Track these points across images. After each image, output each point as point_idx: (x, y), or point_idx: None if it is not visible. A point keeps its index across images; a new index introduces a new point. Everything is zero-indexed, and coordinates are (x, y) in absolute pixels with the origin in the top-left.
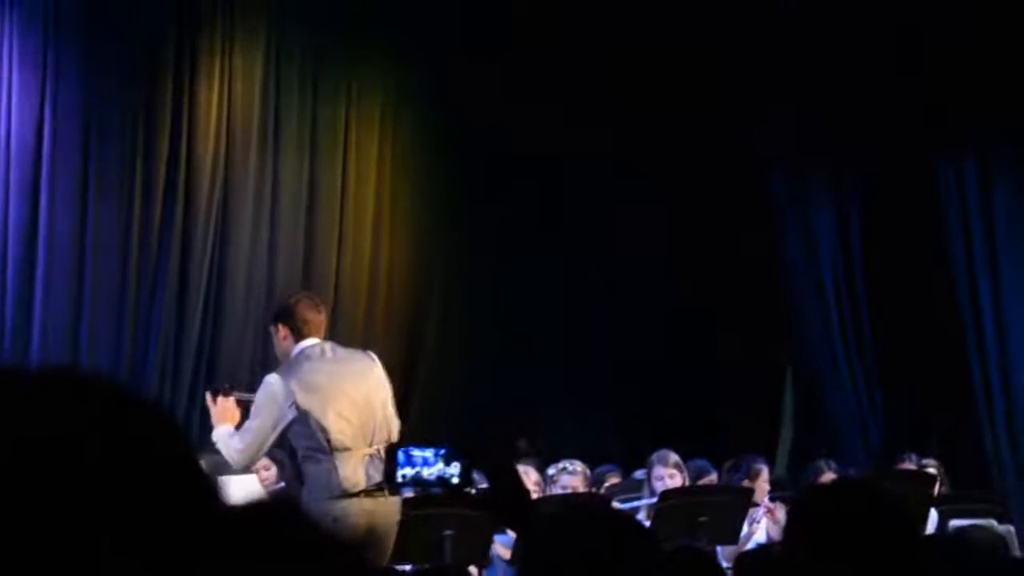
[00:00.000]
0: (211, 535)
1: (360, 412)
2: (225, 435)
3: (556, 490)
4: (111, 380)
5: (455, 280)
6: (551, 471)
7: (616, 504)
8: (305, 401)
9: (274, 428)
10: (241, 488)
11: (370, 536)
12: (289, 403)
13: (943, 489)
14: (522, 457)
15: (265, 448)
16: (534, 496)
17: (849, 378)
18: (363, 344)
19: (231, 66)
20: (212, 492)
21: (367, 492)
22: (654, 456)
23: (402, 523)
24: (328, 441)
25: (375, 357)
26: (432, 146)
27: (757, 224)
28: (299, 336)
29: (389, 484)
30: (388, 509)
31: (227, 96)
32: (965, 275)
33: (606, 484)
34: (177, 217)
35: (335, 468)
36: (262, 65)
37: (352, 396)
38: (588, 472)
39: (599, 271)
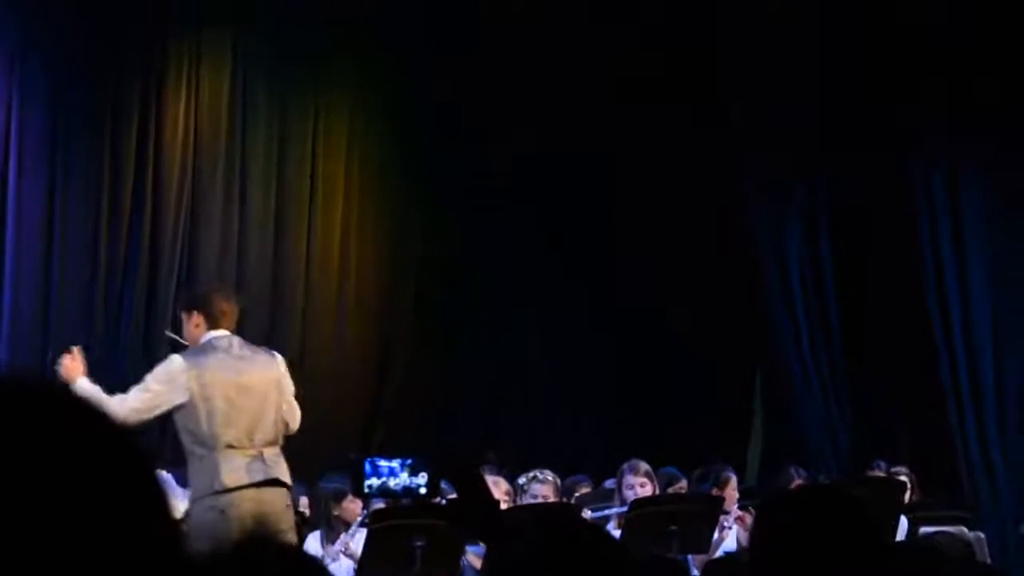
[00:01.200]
0: None
1: (251, 412)
2: (98, 395)
3: (527, 499)
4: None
5: (425, 291)
6: (522, 480)
7: (587, 513)
8: (200, 390)
9: (158, 403)
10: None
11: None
12: (184, 387)
13: (913, 496)
14: (489, 467)
15: (154, 414)
16: (504, 506)
17: (819, 385)
18: (335, 356)
19: (198, 79)
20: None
21: (252, 485)
22: (625, 465)
23: (372, 533)
24: (213, 436)
25: (278, 356)
26: (400, 156)
27: (727, 229)
28: (211, 325)
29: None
30: (274, 498)
31: (194, 109)
32: (934, 279)
33: (577, 494)
34: (145, 232)
35: (217, 465)
36: (229, 77)
37: (247, 395)
38: (559, 482)
39: (571, 278)
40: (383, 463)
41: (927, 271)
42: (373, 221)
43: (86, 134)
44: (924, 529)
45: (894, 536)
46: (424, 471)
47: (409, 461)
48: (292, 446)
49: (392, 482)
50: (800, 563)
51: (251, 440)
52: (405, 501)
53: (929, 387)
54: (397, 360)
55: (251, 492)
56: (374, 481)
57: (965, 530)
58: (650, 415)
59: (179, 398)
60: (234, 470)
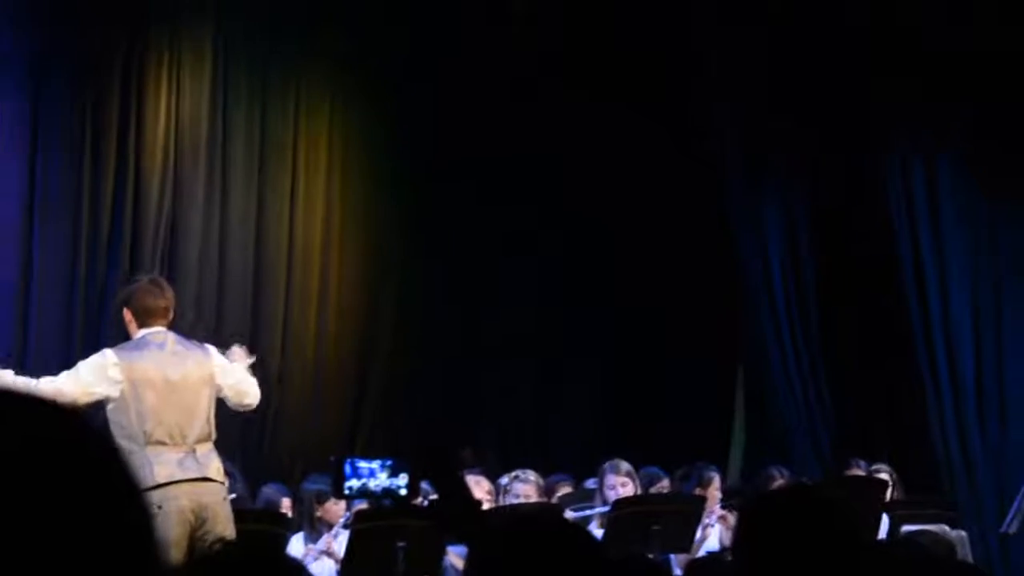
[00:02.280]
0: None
1: (182, 409)
2: (15, 381)
3: (509, 499)
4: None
5: (407, 287)
6: (504, 480)
7: (569, 513)
8: (130, 386)
9: (85, 389)
10: None
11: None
12: (114, 380)
13: (895, 494)
14: (467, 467)
15: (81, 401)
16: (486, 506)
17: (800, 385)
18: (314, 353)
19: (179, 78)
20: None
21: (186, 481)
22: (606, 465)
23: (354, 535)
24: (144, 432)
25: (212, 350)
26: (381, 155)
27: (707, 230)
28: (142, 322)
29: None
30: (210, 491)
31: (175, 108)
32: (913, 277)
33: (558, 493)
34: (126, 231)
35: (148, 461)
36: (210, 76)
37: (178, 392)
38: (541, 481)
39: (550, 275)
40: (363, 464)
41: (906, 269)
42: (355, 216)
43: (66, 129)
44: (906, 527)
45: (876, 534)
46: (404, 472)
47: (389, 462)
48: (275, 448)
49: (372, 483)
50: (783, 563)
51: (183, 437)
52: (385, 502)
53: (909, 386)
54: (379, 359)
55: (186, 487)
56: (354, 483)
57: (947, 528)
58: (632, 415)
59: (108, 391)
60: (165, 466)
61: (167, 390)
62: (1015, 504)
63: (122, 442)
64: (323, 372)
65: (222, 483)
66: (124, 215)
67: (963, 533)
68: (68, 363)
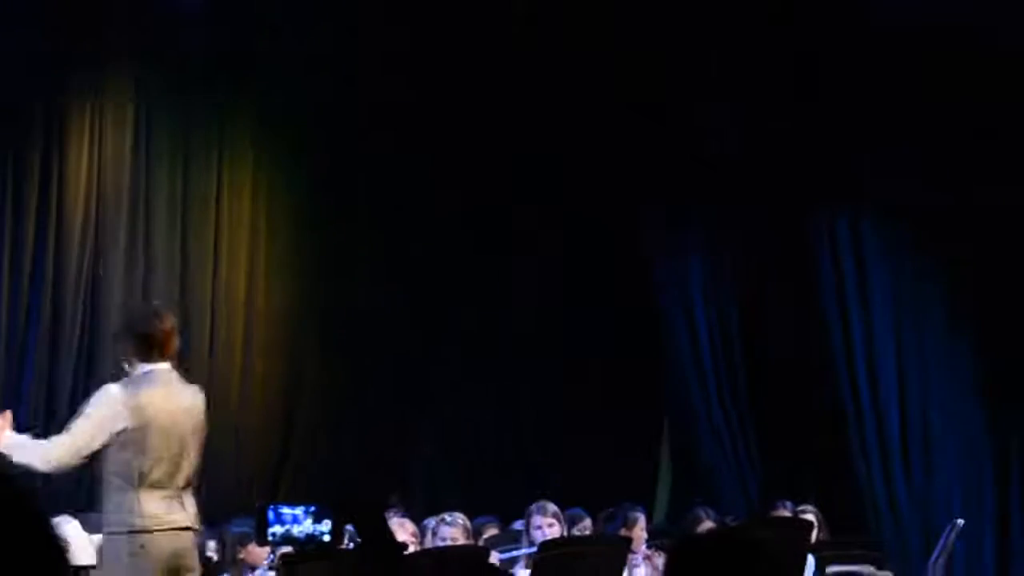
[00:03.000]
0: None
1: (178, 453)
2: (29, 443)
3: (436, 542)
4: None
5: (330, 339)
6: (431, 523)
7: (495, 555)
8: (134, 426)
9: (99, 435)
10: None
11: None
12: (124, 415)
13: (820, 535)
14: (392, 510)
15: (97, 444)
16: (411, 548)
17: (725, 425)
18: (239, 397)
19: (101, 127)
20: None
21: (171, 529)
22: (532, 506)
23: None
24: (140, 474)
25: (201, 391)
26: (304, 202)
27: (631, 274)
28: (143, 356)
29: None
30: (186, 538)
31: (97, 162)
32: (838, 321)
33: (485, 535)
34: (47, 284)
35: (138, 503)
36: (132, 125)
37: (175, 435)
38: (468, 523)
39: (480, 327)
40: (286, 510)
41: (831, 314)
42: (278, 261)
43: None
44: (832, 568)
45: (802, 575)
46: (327, 518)
47: (313, 508)
48: (200, 490)
49: (296, 529)
50: None
51: (172, 480)
52: (308, 548)
53: (835, 428)
54: (304, 404)
55: (170, 533)
56: (277, 529)
57: (874, 569)
58: (556, 455)
59: (119, 423)
60: (154, 511)
61: (169, 431)
62: (940, 544)
63: (113, 479)
64: (248, 416)
65: (198, 530)
66: (46, 263)
67: (889, 574)
68: None
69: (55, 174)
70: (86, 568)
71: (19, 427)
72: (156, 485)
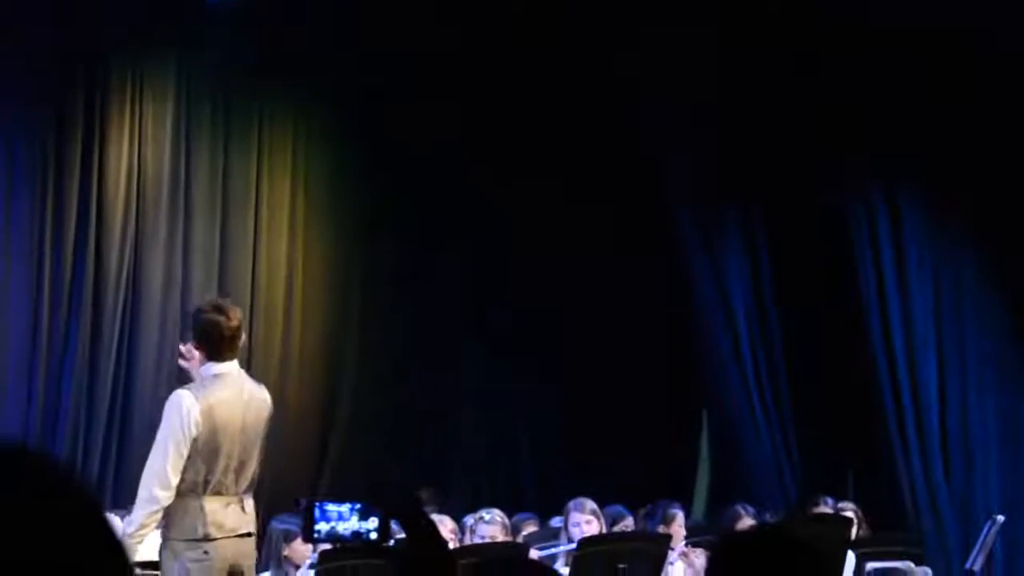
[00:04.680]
0: None
1: (244, 457)
2: (133, 516)
3: (475, 539)
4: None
5: (370, 330)
6: (469, 520)
7: (534, 552)
8: (206, 432)
9: (182, 443)
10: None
11: None
12: (195, 423)
13: (860, 531)
14: (428, 506)
15: (173, 469)
16: (451, 545)
17: (764, 421)
18: (279, 394)
19: (141, 122)
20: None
21: (234, 536)
22: (571, 503)
23: (320, 575)
24: (205, 481)
25: (265, 390)
26: (345, 199)
27: (668, 267)
28: (212, 355)
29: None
30: (249, 546)
31: (137, 152)
32: (877, 314)
33: (523, 532)
34: (88, 275)
35: (203, 512)
36: (172, 119)
37: (243, 440)
38: (506, 521)
39: (511, 317)
40: (332, 507)
41: (871, 309)
42: (319, 259)
43: (28, 171)
44: (872, 564)
45: (842, 572)
46: (374, 515)
47: (358, 506)
48: None
49: (341, 527)
50: None
51: (237, 486)
52: (355, 545)
53: (875, 422)
54: (344, 400)
55: (232, 539)
56: (323, 526)
57: (912, 566)
58: (597, 452)
59: (192, 434)
60: (218, 519)
61: (237, 437)
62: (979, 540)
63: (181, 489)
64: (287, 411)
65: (253, 535)
66: (87, 257)
67: (928, 570)
68: (29, 404)
69: (95, 165)
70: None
71: (59, 422)
72: (220, 491)
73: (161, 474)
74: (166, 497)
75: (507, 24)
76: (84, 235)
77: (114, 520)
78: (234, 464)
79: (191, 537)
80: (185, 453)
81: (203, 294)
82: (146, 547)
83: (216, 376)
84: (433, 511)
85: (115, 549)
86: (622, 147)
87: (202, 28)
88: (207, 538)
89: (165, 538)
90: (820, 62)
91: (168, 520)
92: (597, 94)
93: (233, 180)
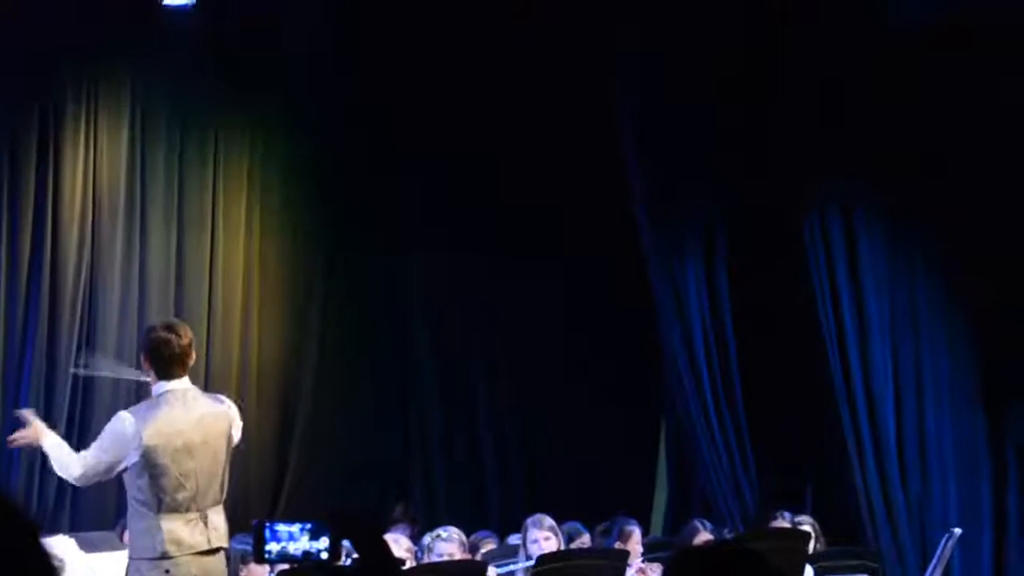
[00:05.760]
0: None
1: (201, 474)
2: (62, 451)
3: (432, 558)
4: None
5: (329, 351)
6: (426, 539)
7: (492, 570)
8: (149, 452)
9: (112, 465)
10: (114, 564)
11: None
12: (135, 446)
13: (818, 546)
14: (396, 523)
15: (105, 475)
16: (408, 564)
17: (720, 435)
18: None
19: (95, 137)
20: None
21: (194, 554)
22: (529, 520)
23: None
24: (158, 500)
25: (228, 403)
26: (301, 217)
27: (626, 278)
28: (162, 374)
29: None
30: (216, 564)
31: (92, 167)
32: (833, 327)
33: (482, 550)
34: (44, 295)
35: (160, 530)
36: (127, 133)
37: (197, 456)
38: (464, 538)
39: (474, 337)
40: (282, 528)
41: (827, 320)
42: (276, 273)
43: None
44: None
45: None
46: (324, 535)
47: (309, 526)
48: None
49: (292, 547)
50: None
51: (196, 503)
52: (305, 566)
53: (832, 436)
54: (302, 417)
55: (194, 557)
56: (273, 546)
57: None
58: (555, 466)
59: (130, 458)
60: (177, 537)
61: (187, 456)
62: (936, 553)
63: (135, 505)
64: (245, 428)
65: (225, 548)
66: (42, 273)
67: None
68: None
69: (50, 181)
70: None
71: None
72: (177, 509)
73: (90, 460)
74: (88, 479)
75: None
76: (40, 251)
77: (64, 543)
78: (189, 482)
79: (150, 556)
80: (114, 464)
81: (160, 311)
82: (113, 568)
83: (164, 394)
84: (397, 529)
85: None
86: (584, 153)
87: (156, 42)
88: (165, 556)
89: (130, 558)
90: (778, 67)
91: (130, 539)
92: (563, 109)
93: (189, 195)
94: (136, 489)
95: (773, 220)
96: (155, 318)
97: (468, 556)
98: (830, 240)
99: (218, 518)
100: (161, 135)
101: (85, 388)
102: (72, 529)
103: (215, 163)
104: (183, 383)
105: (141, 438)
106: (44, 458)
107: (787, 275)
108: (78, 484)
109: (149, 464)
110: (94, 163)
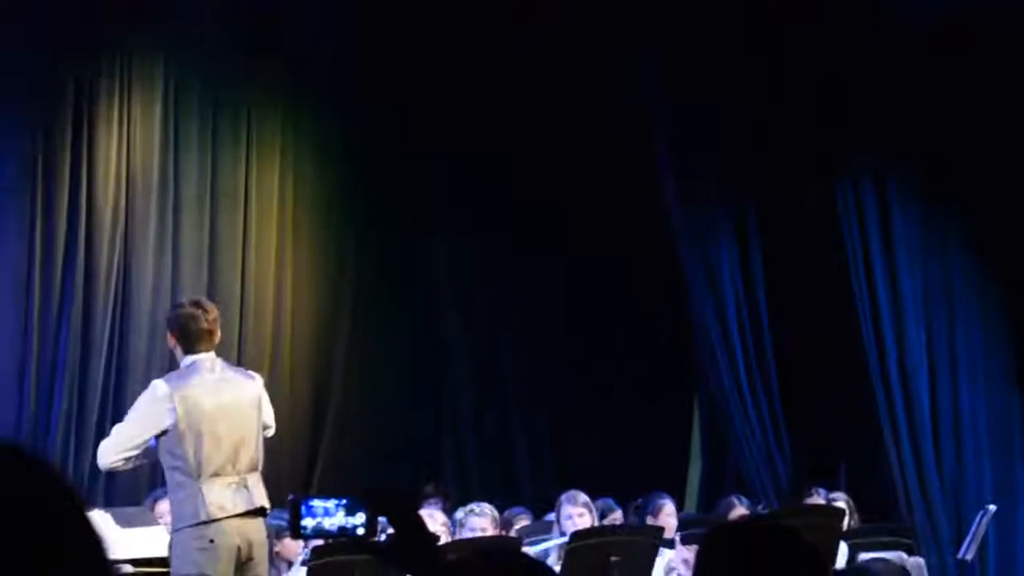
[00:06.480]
0: None
1: (235, 438)
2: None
3: (465, 533)
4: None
5: (360, 328)
6: (459, 514)
7: (526, 546)
8: (184, 416)
9: (142, 432)
10: (149, 539)
11: None
12: (168, 408)
13: (852, 522)
14: (428, 500)
15: (128, 453)
16: (443, 540)
17: (755, 411)
18: (271, 393)
19: (129, 119)
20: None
21: (236, 516)
22: (563, 496)
23: (311, 571)
24: (198, 464)
25: (257, 377)
26: (333, 192)
27: (657, 257)
28: (188, 347)
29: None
30: (257, 528)
31: (126, 150)
32: (868, 304)
33: (516, 526)
34: (78, 270)
35: (200, 493)
36: (160, 108)
37: (230, 420)
38: (496, 514)
39: (506, 313)
40: (318, 503)
41: (861, 295)
42: (309, 254)
43: (17, 166)
44: (864, 555)
45: (834, 563)
46: (360, 511)
47: (345, 501)
48: None
49: (327, 522)
50: None
51: (234, 467)
52: (342, 541)
53: (866, 412)
54: (336, 394)
55: (236, 522)
56: (309, 522)
57: (905, 556)
58: (589, 443)
59: (165, 422)
60: (218, 500)
61: (220, 418)
62: (971, 530)
63: (174, 475)
64: (278, 406)
65: (268, 514)
66: (76, 256)
67: (920, 560)
68: (21, 406)
69: (84, 164)
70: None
71: (52, 418)
72: (218, 473)
73: (121, 435)
74: (116, 459)
75: (497, 16)
76: (74, 235)
77: (101, 518)
78: (224, 446)
79: (193, 522)
80: (148, 428)
81: (193, 287)
82: (154, 543)
83: (193, 363)
84: (435, 505)
85: (88, 539)
86: (615, 137)
87: (189, 18)
88: (210, 520)
89: (173, 531)
90: (808, 44)
91: (172, 511)
92: (591, 85)
93: (222, 171)
94: (173, 458)
95: (807, 192)
96: (189, 294)
97: (500, 531)
98: (864, 215)
99: (258, 483)
100: (194, 111)
101: (119, 361)
102: (107, 505)
103: (248, 139)
104: (210, 355)
105: (174, 401)
106: (80, 434)
107: (821, 252)
108: (102, 463)
109: (184, 428)
110: (128, 139)
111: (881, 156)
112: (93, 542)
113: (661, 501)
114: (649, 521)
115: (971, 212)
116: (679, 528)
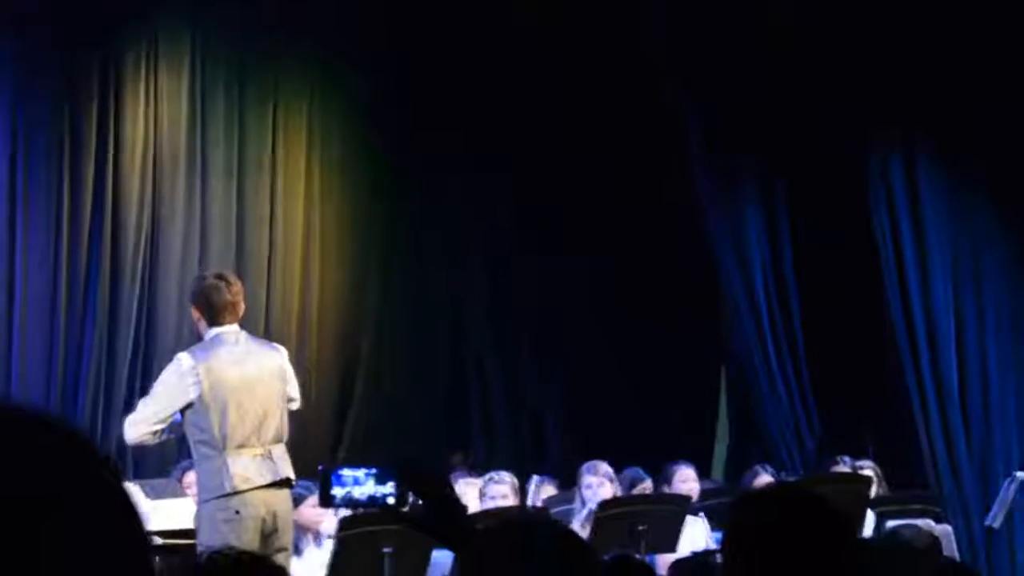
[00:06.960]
0: None
1: (259, 409)
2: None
3: (486, 501)
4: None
5: (388, 297)
6: (481, 483)
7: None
8: (209, 388)
9: (168, 406)
10: (177, 510)
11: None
12: (193, 380)
13: (879, 490)
14: (456, 470)
15: (154, 427)
16: (472, 510)
17: (782, 379)
18: (296, 356)
19: (156, 85)
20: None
21: (263, 487)
22: (584, 466)
23: (341, 541)
24: (223, 436)
25: (282, 349)
26: (360, 162)
27: (686, 228)
28: (212, 320)
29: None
30: (282, 499)
31: (153, 115)
32: (895, 273)
33: (543, 496)
34: (106, 243)
35: (226, 465)
36: (187, 81)
37: (255, 392)
38: (516, 481)
39: (533, 283)
40: (347, 473)
41: (888, 266)
42: (336, 220)
43: (45, 140)
44: (892, 523)
45: (861, 531)
46: (390, 479)
47: (374, 471)
48: None
49: (357, 491)
50: (771, 562)
51: (259, 438)
52: (370, 510)
53: (894, 381)
54: (363, 364)
55: (261, 493)
56: (339, 491)
57: (932, 523)
58: (617, 412)
59: (190, 395)
60: (243, 471)
61: (244, 389)
62: (999, 498)
63: (200, 448)
64: (305, 376)
65: (293, 485)
66: (104, 226)
67: (948, 528)
68: (50, 367)
69: (111, 134)
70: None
71: (79, 392)
72: (242, 444)
73: (146, 409)
74: (143, 433)
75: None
76: (101, 199)
77: (131, 489)
78: (249, 417)
79: (219, 494)
80: (175, 401)
81: (221, 258)
82: (182, 515)
83: (217, 335)
84: (464, 475)
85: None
86: (638, 101)
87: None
88: (235, 492)
89: (198, 503)
90: (837, 9)
91: (198, 483)
92: (617, 58)
93: (248, 142)
94: (198, 431)
95: (834, 159)
96: (217, 266)
97: (521, 500)
98: (892, 186)
99: (284, 455)
100: (220, 83)
101: (148, 334)
102: (135, 477)
103: (274, 110)
104: (233, 327)
105: (198, 372)
106: (108, 406)
107: (848, 222)
108: (128, 437)
109: (209, 401)
110: (155, 112)
111: (909, 122)
112: (130, 513)
113: (675, 467)
114: (665, 489)
115: (1000, 174)
116: (701, 498)
